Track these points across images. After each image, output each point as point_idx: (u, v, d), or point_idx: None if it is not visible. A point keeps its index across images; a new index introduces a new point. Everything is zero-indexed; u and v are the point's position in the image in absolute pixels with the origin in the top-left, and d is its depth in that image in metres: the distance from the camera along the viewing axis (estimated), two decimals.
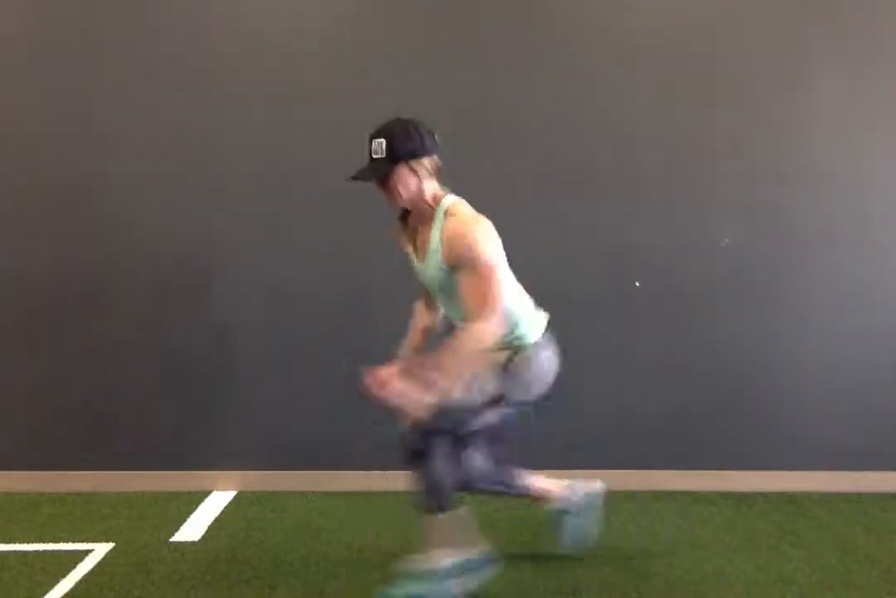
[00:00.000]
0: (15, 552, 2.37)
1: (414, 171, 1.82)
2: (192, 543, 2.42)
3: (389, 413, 1.70)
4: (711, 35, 2.64)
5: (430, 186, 1.86)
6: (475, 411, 1.89)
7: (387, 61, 2.67)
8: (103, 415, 2.85)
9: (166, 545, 2.41)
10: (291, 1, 2.66)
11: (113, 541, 2.44)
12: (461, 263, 1.77)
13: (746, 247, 2.71)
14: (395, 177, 1.82)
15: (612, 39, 2.65)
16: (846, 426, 2.78)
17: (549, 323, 2.05)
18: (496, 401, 1.91)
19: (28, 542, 2.44)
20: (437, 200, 1.87)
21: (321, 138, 2.70)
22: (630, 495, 2.74)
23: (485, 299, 1.74)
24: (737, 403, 2.79)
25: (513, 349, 1.94)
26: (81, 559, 2.30)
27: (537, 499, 2.22)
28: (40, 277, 2.78)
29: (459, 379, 1.78)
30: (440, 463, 1.91)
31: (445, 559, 1.98)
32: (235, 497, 2.81)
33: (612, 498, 2.60)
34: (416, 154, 1.81)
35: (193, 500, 2.78)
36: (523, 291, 2.03)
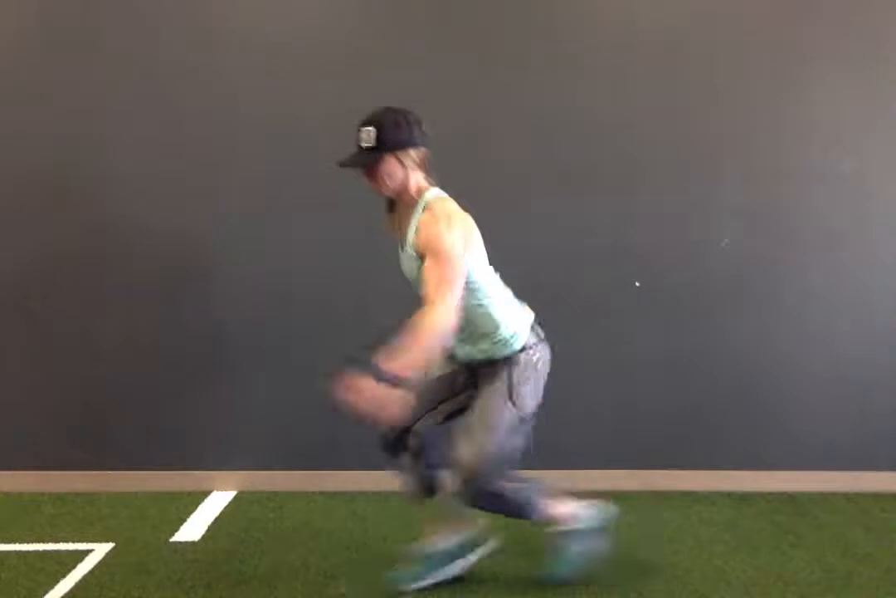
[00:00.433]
0: (15, 552, 2.37)
1: (400, 161, 1.82)
2: (192, 543, 2.42)
3: (359, 419, 1.63)
4: (711, 35, 2.64)
5: (416, 178, 1.86)
6: (507, 445, 1.90)
7: (387, 61, 2.67)
8: (103, 415, 2.85)
9: (166, 545, 2.41)
10: (291, 1, 2.66)
11: (113, 541, 2.44)
12: (426, 251, 1.77)
13: (746, 247, 2.71)
14: (381, 166, 1.82)
15: (612, 39, 2.65)
16: (846, 426, 2.78)
17: (539, 323, 2.04)
18: (517, 425, 1.91)
19: (28, 542, 2.44)
20: (420, 192, 1.87)
21: (321, 138, 2.69)
22: (630, 496, 2.74)
23: (438, 287, 1.71)
24: (737, 403, 2.79)
25: (503, 360, 1.93)
26: (81, 559, 2.30)
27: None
28: (40, 277, 2.78)
29: (417, 368, 1.69)
30: (504, 493, 1.92)
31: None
32: (235, 497, 2.81)
33: (612, 498, 2.60)
34: (403, 145, 1.81)
35: (193, 500, 2.78)
36: (509, 294, 2.02)
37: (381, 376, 1.61)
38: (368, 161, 1.82)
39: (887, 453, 2.79)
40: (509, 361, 1.94)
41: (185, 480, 2.86)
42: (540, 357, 1.97)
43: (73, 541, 2.44)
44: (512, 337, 1.94)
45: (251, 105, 2.69)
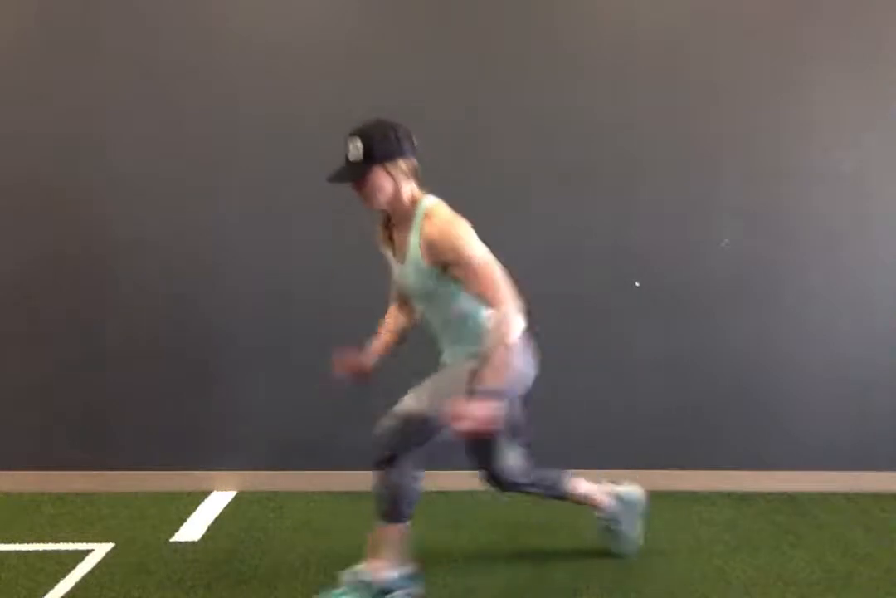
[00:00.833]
0: (15, 552, 2.37)
1: (390, 173, 1.81)
2: (192, 543, 2.42)
3: (475, 438, 1.81)
4: (711, 35, 2.64)
5: (407, 188, 1.85)
6: (440, 425, 1.85)
7: (386, 61, 2.67)
8: (103, 415, 2.85)
9: (166, 545, 2.41)
10: (291, 1, 2.66)
11: (113, 541, 2.44)
12: (454, 265, 1.77)
13: (746, 247, 2.71)
14: (371, 179, 1.81)
15: (612, 39, 2.65)
16: (846, 426, 2.78)
17: (529, 326, 2.02)
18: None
19: (28, 542, 2.44)
20: (415, 200, 1.86)
21: (320, 138, 2.69)
22: None
23: (493, 291, 1.74)
24: (737, 403, 2.79)
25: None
26: (81, 559, 2.31)
27: (581, 503, 2.23)
28: (40, 276, 2.78)
29: (509, 372, 1.77)
30: (401, 477, 1.92)
31: (390, 571, 2.00)
32: (235, 497, 2.81)
33: None
34: (392, 156, 1.80)
35: (193, 500, 2.78)
36: None
37: (482, 397, 1.69)
38: (357, 175, 1.81)
39: (887, 453, 2.79)
40: None
41: (185, 480, 2.86)
42: (520, 367, 1.90)
43: (73, 541, 2.44)
44: None
45: (251, 105, 2.69)
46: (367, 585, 1.99)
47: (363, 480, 2.81)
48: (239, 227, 2.74)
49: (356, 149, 1.79)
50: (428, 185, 1.91)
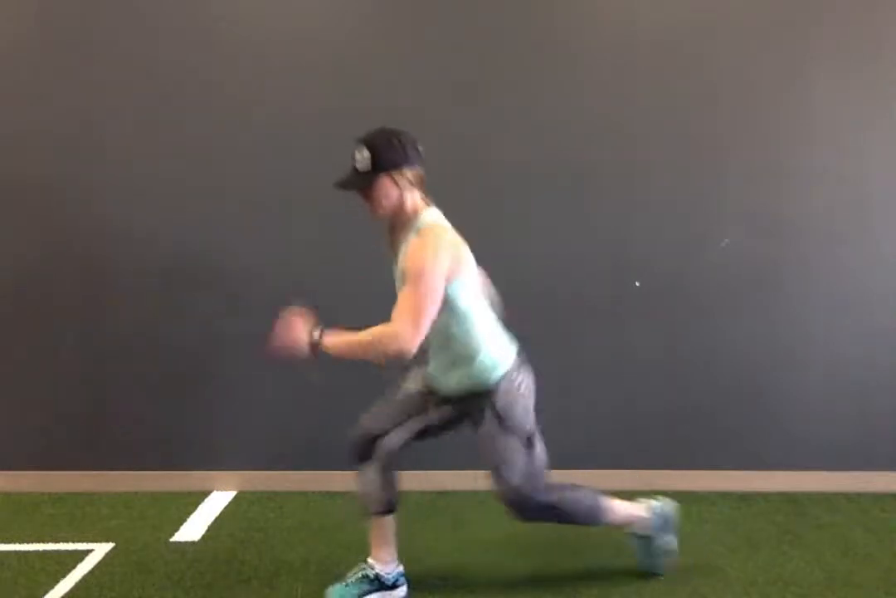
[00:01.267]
0: (15, 552, 2.37)
1: (395, 181, 1.82)
2: (192, 543, 2.43)
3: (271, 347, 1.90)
4: (711, 35, 2.64)
5: (412, 197, 1.86)
6: (530, 462, 1.95)
7: (387, 61, 2.67)
8: (103, 415, 2.85)
9: (166, 545, 2.41)
10: (291, 2, 2.66)
11: (113, 541, 2.44)
12: (406, 276, 1.77)
13: (746, 247, 2.71)
14: (377, 187, 1.82)
15: (612, 39, 2.65)
16: (846, 426, 2.78)
17: (520, 353, 2.02)
18: (529, 443, 1.96)
19: (28, 542, 2.44)
20: (416, 212, 1.87)
21: (321, 138, 2.69)
22: (630, 496, 2.74)
23: (408, 314, 1.73)
24: (737, 403, 2.79)
25: (485, 393, 1.92)
26: (81, 559, 2.31)
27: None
28: (39, 277, 2.78)
29: (338, 356, 1.86)
30: (566, 502, 1.98)
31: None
32: (235, 497, 2.81)
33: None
34: (398, 165, 1.81)
35: (193, 500, 2.78)
36: (496, 324, 1.99)
37: (313, 337, 1.87)
38: (364, 183, 1.82)
39: (887, 453, 2.79)
40: (489, 394, 1.91)
41: (185, 480, 2.86)
42: (522, 381, 1.95)
43: (73, 541, 2.44)
44: (492, 366, 1.91)
45: (251, 104, 2.69)
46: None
47: None
48: (239, 227, 2.74)
49: (363, 157, 1.81)
50: (429, 185, 1.91)
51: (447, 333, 1.89)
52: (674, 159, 2.68)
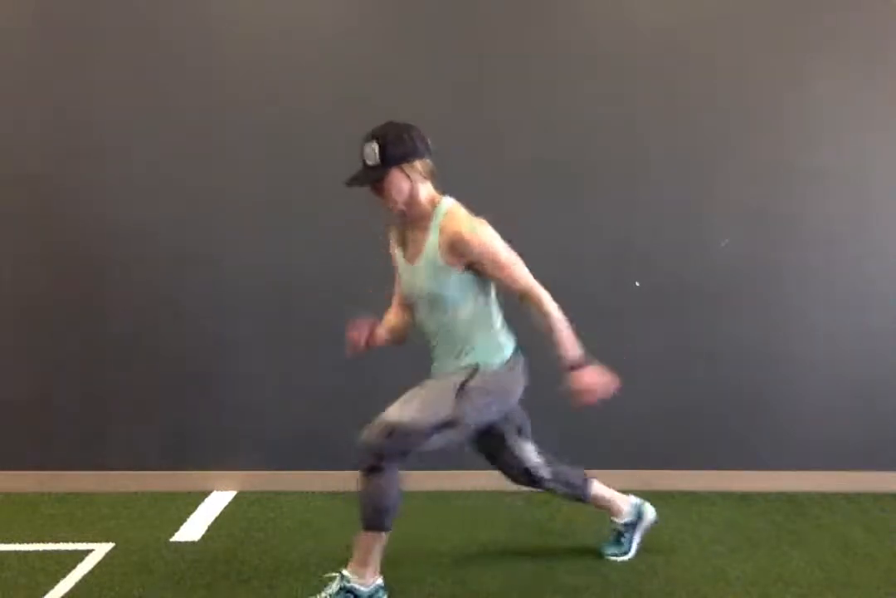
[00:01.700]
0: (15, 552, 2.37)
1: (406, 174, 1.83)
2: (192, 543, 2.42)
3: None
4: (711, 35, 2.64)
5: (425, 189, 1.88)
6: (427, 434, 1.87)
7: (387, 59, 2.67)
8: (103, 415, 2.85)
9: (166, 545, 2.41)
10: (292, 2, 2.66)
11: (113, 541, 2.44)
12: (481, 261, 1.84)
13: (746, 247, 2.71)
14: (388, 181, 1.83)
15: (613, 39, 2.65)
16: (846, 426, 2.78)
17: (518, 348, 2.03)
18: (448, 424, 1.88)
19: (28, 542, 2.44)
20: (434, 202, 1.89)
21: (322, 138, 2.70)
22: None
23: (526, 279, 1.87)
24: (737, 403, 2.79)
25: (472, 368, 1.92)
26: (81, 559, 2.30)
27: (600, 508, 2.24)
28: (39, 276, 2.78)
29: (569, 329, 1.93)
30: (388, 483, 1.90)
31: (371, 578, 1.97)
32: (235, 497, 2.81)
33: None
34: (408, 158, 1.82)
35: (193, 500, 2.78)
36: (499, 314, 2.01)
37: (577, 365, 1.88)
38: (375, 177, 1.83)
39: (887, 452, 2.79)
40: (479, 368, 1.92)
41: (185, 480, 2.86)
42: (508, 384, 1.95)
43: (73, 541, 2.44)
44: (495, 350, 1.95)
45: (252, 105, 2.69)
46: (348, 590, 1.95)
47: None
48: (240, 227, 2.74)
49: (372, 151, 1.81)
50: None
51: (454, 316, 1.90)
52: (674, 159, 2.68)
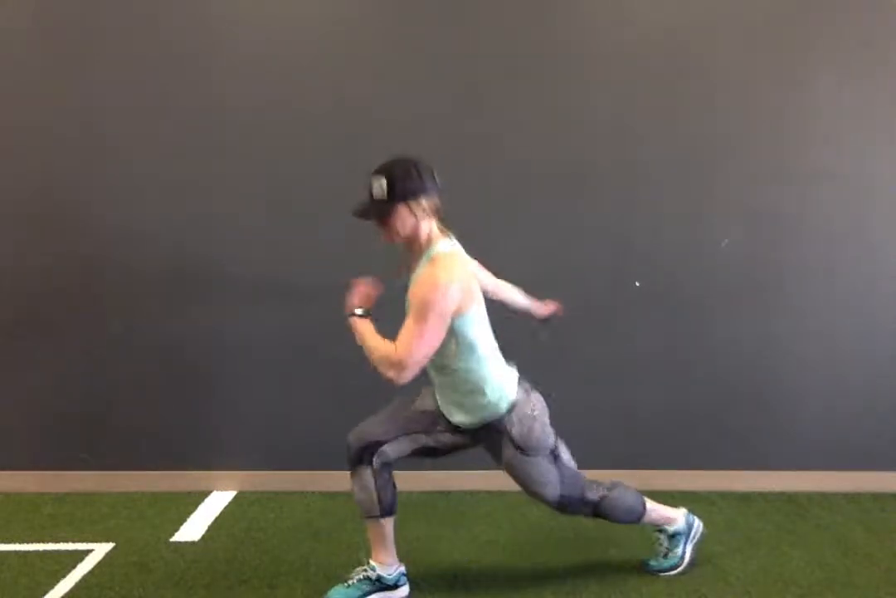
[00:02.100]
0: (15, 552, 2.37)
1: (412, 211, 1.83)
2: (192, 543, 2.43)
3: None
4: (711, 35, 2.64)
5: (427, 226, 1.87)
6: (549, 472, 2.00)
7: (387, 60, 2.66)
8: (103, 415, 2.85)
9: (166, 545, 2.41)
10: (292, 2, 2.66)
11: (113, 541, 2.44)
12: (413, 307, 1.79)
13: (746, 247, 2.71)
14: (393, 216, 1.84)
15: (613, 39, 2.65)
16: (846, 426, 2.78)
17: (521, 381, 2.03)
18: (551, 456, 2.01)
19: (28, 542, 2.44)
20: (430, 242, 1.87)
21: (322, 139, 2.70)
22: None
23: (409, 345, 1.75)
24: (737, 403, 2.79)
25: (498, 420, 1.93)
26: (81, 559, 2.31)
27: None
28: (39, 276, 2.78)
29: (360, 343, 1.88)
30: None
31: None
32: (235, 497, 2.81)
33: None
34: (415, 194, 1.82)
35: (193, 500, 2.78)
36: (499, 355, 2.00)
37: (354, 310, 1.91)
38: (381, 212, 1.84)
39: (887, 452, 2.79)
40: (503, 427, 1.93)
41: (185, 480, 2.86)
42: (534, 406, 1.97)
43: (73, 541, 2.44)
44: (499, 399, 1.93)
45: (253, 105, 2.69)
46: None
47: None
48: (239, 228, 2.74)
49: (380, 187, 1.82)
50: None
51: (453, 365, 1.90)
52: (674, 159, 2.68)
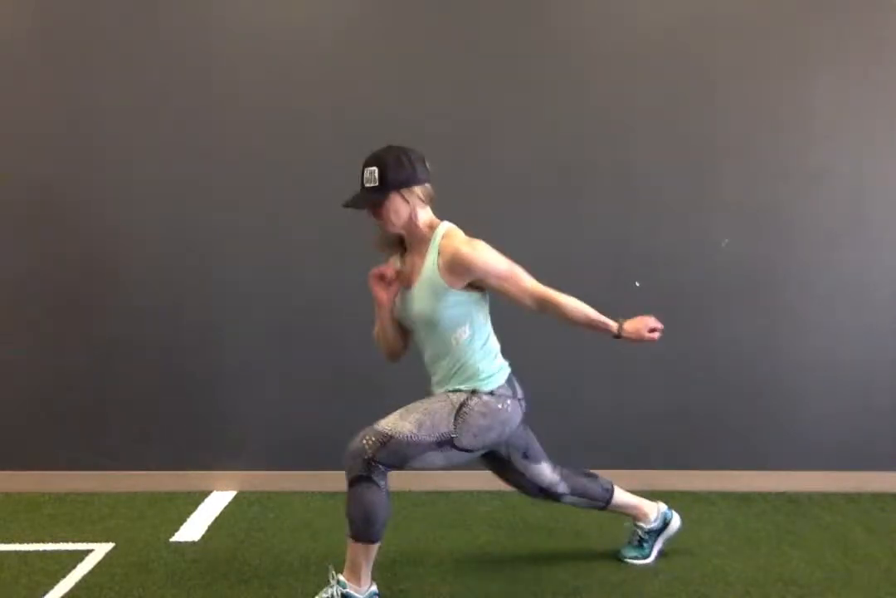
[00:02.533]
0: (15, 552, 2.37)
1: (406, 199, 1.83)
2: (192, 543, 2.42)
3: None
4: (711, 35, 2.64)
5: (424, 214, 1.88)
6: (422, 449, 1.85)
7: (386, 61, 2.67)
8: (103, 415, 2.85)
9: (166, 545, 2.41)
10: (292, 2, 2.66)
11: (113, 541, 2.44)
12: (488, 277, 1.84)
13: (746, 247, 2.71)
14: (387, 205, 1.83)
15: (612, 39, 2.65)
16: (846, 426, 2.78)
17: (512, 375, 2.01)
18: (445, 442, 1.86)
19: (28, 542, 2.44)
20: (432, 226, 1.89)
21: (322, 139, 2.70)
22: None
23: (534, 288, 1.88)
24: (737, 403, 2.79)
25: (470, 391, 1.91)
26: (81, 559, 2.30)
27: (626, 514, 2.24)
28: (39, 276, 2.78)
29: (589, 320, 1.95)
30: (377, 494, 1.86)
31: (364, 585, 1.93)
32: (235, 497, 2.81)
33: None
34: (407, 183, 1.82)
35: (193, 500, 2.78)
36: (494, 337, 2.01)
37: (621, 331, 1.99)
38: (374, 201, 1.83)
39: (887, 452, 2.79)
40: (477, 392, 1.91)
41: (185, 480, 2.86)
42: (506, 410, 1.92)
43: (73, 541, 2.44)
44: (486, 379, 1.92)
45: (251, 105, 2.69)
46: (344, 596, 1.92)
47: None
48: (239, 229, 2.74)
49: (372, 175, 1.82)
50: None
51: (451, 339, 1.90)
52: (674, 159, 2.68)
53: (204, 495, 2.83)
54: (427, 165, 1.88)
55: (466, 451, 1.90)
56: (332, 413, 2.79)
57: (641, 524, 2.23)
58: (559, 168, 2.69)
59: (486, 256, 1.83)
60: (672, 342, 2.76)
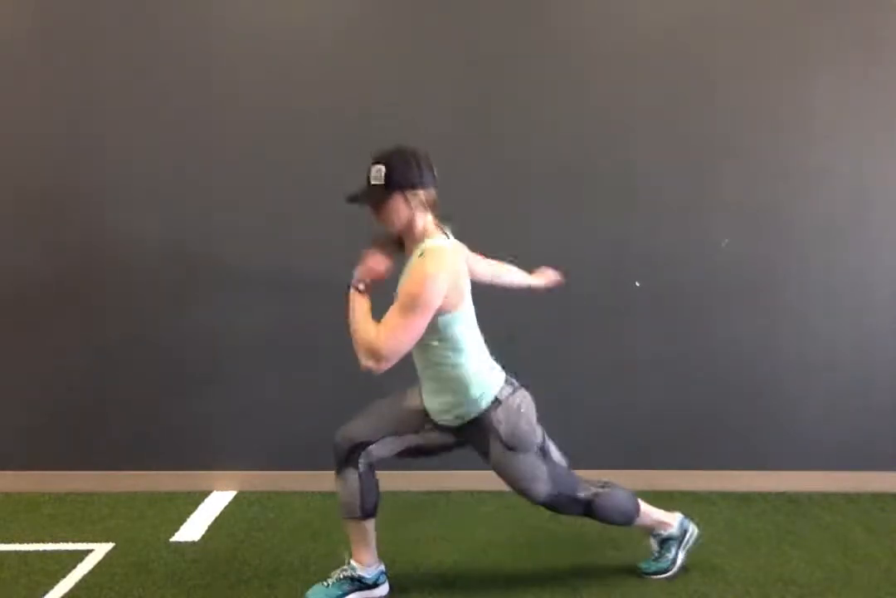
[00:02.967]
0: (15, 552, 2.38)
1: (407, 201, 1.82)
2: (192, 543, 2.43)
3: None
4: (711, 35, 2.64)
5: (422, 219, 1.86)
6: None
7: (386, 61, 2.67)
8: (103, 415, 2.85)
9: (166, 545, 2.41)
10: (292, 2, 2.66)
11: (113, 541, 2.44)
12: (400, 293, 1.79)
13: (746, 247, 2.71)
14: (388, 204, 1.82)
15: (612, 39, 2.65)
16: (846, 426, 2.78)
17: (512, 374, 2.02)
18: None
19: (28, 542, 2.44)
20: (423, 235, 1.86)
21: (322, 139, 2.70)
22: None
23: (390, 336, 1.73)
24: (737, 403, 2.79)
25: (486, 423, 1.92)
26: (81, 559, 2.31)
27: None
28: (39, 276, 2.78)
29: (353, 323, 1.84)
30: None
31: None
32: (235, 497, 2.82)
33: None
34: (412, 185, 1.81)
35: (193, 500, 2.78)
36: (485, 352, 1.99)
37: (355, 283, 1.87)
38: (377, 198, 1.83)
39: (887, 452, 2.79)
40: (489, 424, 1.91)
41: (185, 480, 2.86)
42: (520, 402, 1.94)
43: (73, 541, 2.44)
44: (482, 395, 1.91)
45: (251, 105, 2.69)
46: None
47: None
48: (239, 228, 2.74)
49: (378, 173, 1.81)
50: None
51: (438, 361, 1.89)
52: (674, 159, 2.68)
53: (204, 495, 2.83)
54: (435, 171, 1.86)
55: (541, 438, 2.03)
56: (333, 413, 2.78)
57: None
58: (559, 168, 2.69)
59: (421, 282, 1.73)
60: (672, 342, 2.78)
